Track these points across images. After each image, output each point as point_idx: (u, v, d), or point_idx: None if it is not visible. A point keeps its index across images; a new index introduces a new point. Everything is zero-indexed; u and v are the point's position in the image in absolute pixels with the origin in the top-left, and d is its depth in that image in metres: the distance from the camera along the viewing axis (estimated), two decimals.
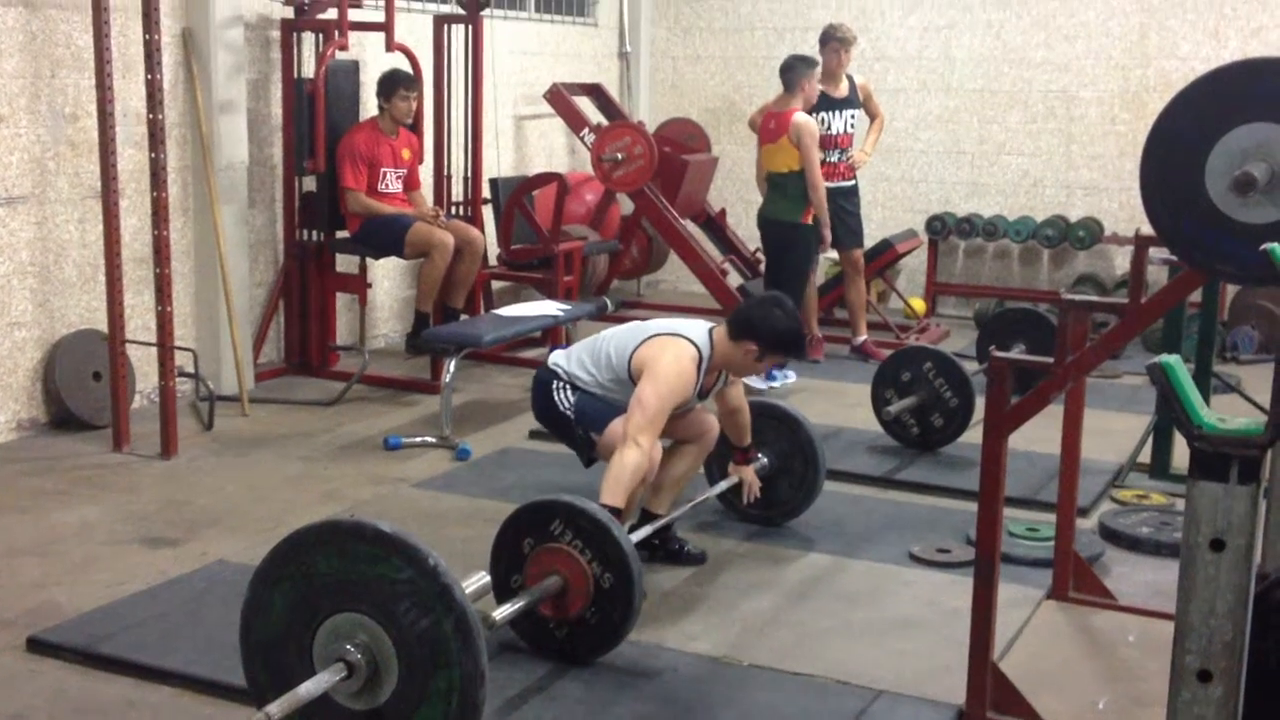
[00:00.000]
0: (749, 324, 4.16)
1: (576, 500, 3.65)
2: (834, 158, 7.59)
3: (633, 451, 3.91)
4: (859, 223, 7.87)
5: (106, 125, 5.42)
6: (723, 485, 4.67)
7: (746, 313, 4.23)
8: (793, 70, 7.12)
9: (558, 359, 4.39)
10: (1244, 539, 1.68)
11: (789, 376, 6.88)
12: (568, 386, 4.30)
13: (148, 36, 5.41)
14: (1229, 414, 1.80)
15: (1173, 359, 1.78)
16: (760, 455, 4.73)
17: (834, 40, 7.58)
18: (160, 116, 5.47)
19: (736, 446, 4.62)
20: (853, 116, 7.74)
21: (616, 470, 3.88)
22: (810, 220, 7.00)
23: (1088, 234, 8.86)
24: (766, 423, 4.79)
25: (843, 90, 7.65)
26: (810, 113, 7.50)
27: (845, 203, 7.70)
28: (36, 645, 3.71)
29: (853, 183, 7.85)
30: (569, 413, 4.28)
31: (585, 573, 3.57)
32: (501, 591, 3.64)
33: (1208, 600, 1.70)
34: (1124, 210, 8.92)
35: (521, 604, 3.52)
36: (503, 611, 3.46)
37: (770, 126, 7.23)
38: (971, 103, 9.36)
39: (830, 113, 7.57)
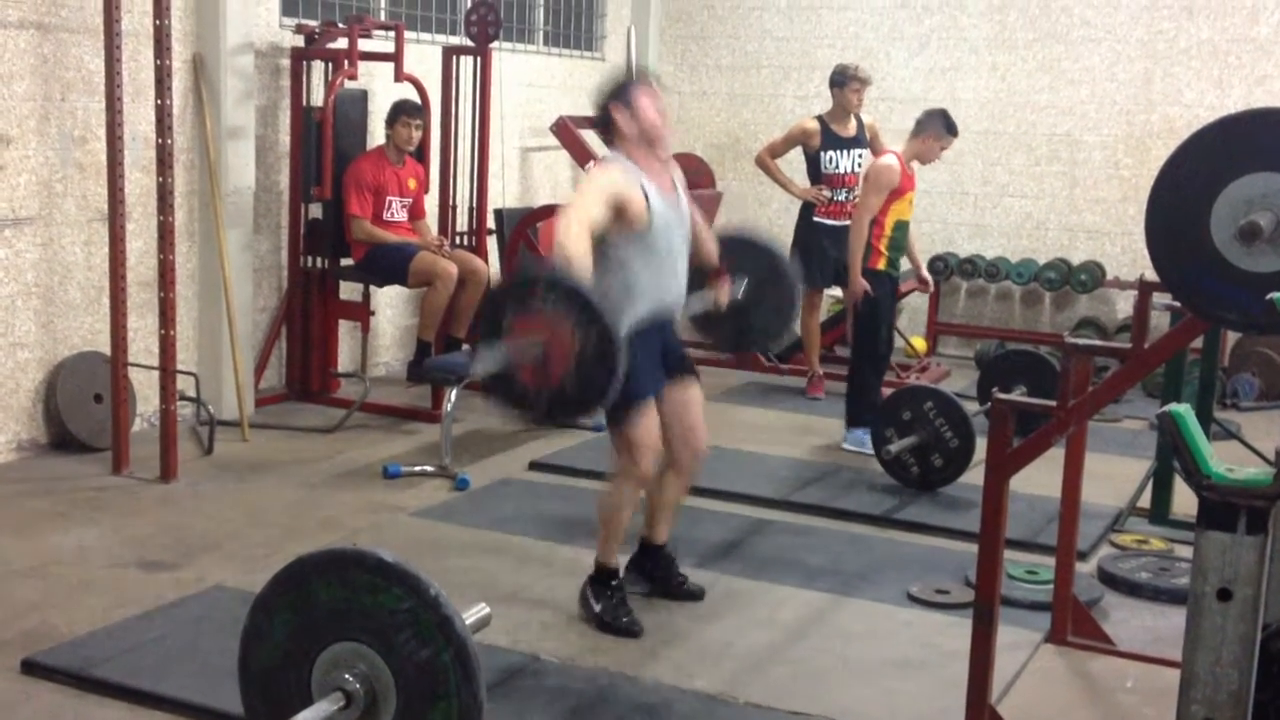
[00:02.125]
0: (598, 104, 4.19)
1: (559, 274, 3.61)
2: (841, 196, 7.60)
3: (564, 222, 3.83)
4: None
5: (115, 149, 5.44)
6: (698, 306, 4.60)
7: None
8: (927, 119, 6.50)
9: None
10: (1251, 589, 1.68)
11: (865, 445, 6.40)
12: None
13: (158, 62, 5.45)
14: (1229, 461, 1.80)
15: (1182, 408, 1.79)
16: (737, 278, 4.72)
17: (855, 80, 7.47)
18: (169, 141, 5.50)
19: (710, 268, 4.57)
20: (860, 156, 7.74)
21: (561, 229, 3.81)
22: (881, 266, 6.56)
23: (1090, 278, 8.88)
24: (743, 248, 4.81)
25: (851, 129, 7.65)
26: (821, 152, 7.51)
27: None
28: (31, 668, 3.70)
29: None
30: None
31: (566, 338, 3.48)
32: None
33: (1214, 650, 1.70)
34: (1126, 255, 8.95)
35: (501, 354, 3.52)
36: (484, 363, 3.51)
37: None
38: (975, 145, 9.39)
39: (838, 152, 7.59)
